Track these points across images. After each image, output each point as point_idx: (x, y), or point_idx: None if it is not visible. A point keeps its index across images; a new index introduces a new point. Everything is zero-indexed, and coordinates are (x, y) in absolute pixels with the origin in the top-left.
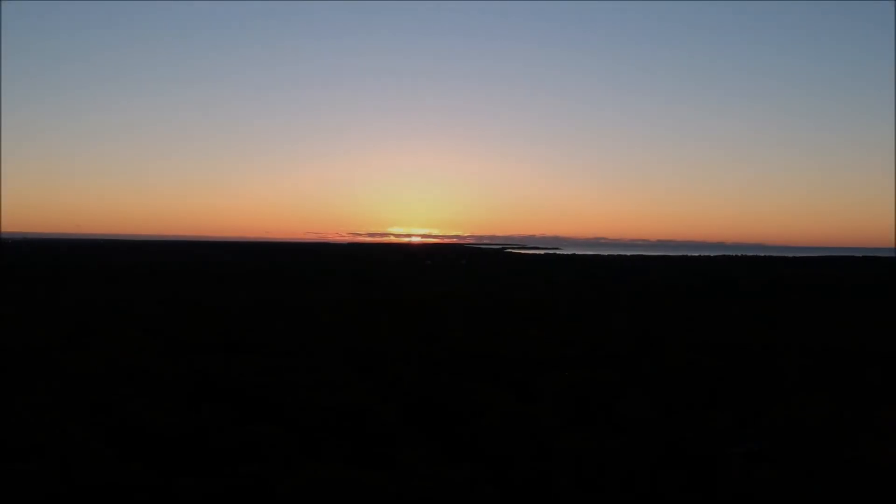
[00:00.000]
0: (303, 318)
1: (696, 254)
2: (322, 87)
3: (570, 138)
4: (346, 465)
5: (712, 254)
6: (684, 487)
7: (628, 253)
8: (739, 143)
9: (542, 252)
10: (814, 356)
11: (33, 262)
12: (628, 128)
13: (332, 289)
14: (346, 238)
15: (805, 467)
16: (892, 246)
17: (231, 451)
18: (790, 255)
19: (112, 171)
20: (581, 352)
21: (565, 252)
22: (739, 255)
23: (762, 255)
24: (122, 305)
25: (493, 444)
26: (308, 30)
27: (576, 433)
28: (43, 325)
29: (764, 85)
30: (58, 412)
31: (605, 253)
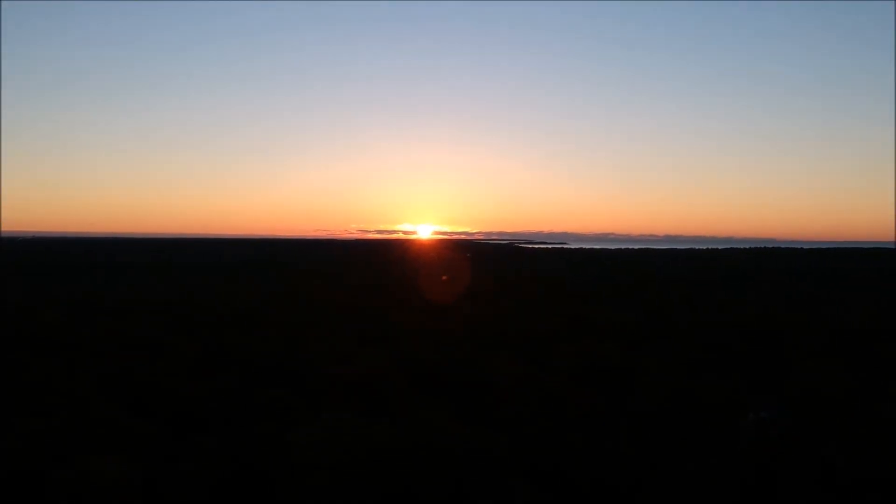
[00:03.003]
0: (312, 301)
1: (704, 247)
2: (330, 85)
3: (578, 136)
4: (354, 416)
5: (720, 247)
6: (696, 450)
7: (636, 247)
8: (747, 141)
9: (550, 246)
10: (825, 335)
11: (61, 260)
12: (636, 125)
13: (342, 279)
14: (355, 235)
15: (816, 433)
16: (893, 239)
17: (243, 411)
18: (801, 247)
19: (124, 172)
20: (591, 326)
21: (573, 246)
22: (750, 247)
23: (771, 247)
24: (139, 293)
25: (503, 407)
26: (318, 27)
27: (587, 397)
28: (59, 311)
29: (767, 84)
30: (71, 379)
31: (613, 247)
